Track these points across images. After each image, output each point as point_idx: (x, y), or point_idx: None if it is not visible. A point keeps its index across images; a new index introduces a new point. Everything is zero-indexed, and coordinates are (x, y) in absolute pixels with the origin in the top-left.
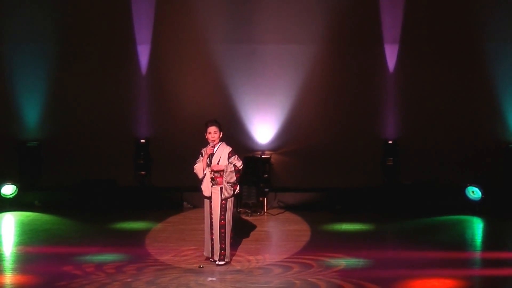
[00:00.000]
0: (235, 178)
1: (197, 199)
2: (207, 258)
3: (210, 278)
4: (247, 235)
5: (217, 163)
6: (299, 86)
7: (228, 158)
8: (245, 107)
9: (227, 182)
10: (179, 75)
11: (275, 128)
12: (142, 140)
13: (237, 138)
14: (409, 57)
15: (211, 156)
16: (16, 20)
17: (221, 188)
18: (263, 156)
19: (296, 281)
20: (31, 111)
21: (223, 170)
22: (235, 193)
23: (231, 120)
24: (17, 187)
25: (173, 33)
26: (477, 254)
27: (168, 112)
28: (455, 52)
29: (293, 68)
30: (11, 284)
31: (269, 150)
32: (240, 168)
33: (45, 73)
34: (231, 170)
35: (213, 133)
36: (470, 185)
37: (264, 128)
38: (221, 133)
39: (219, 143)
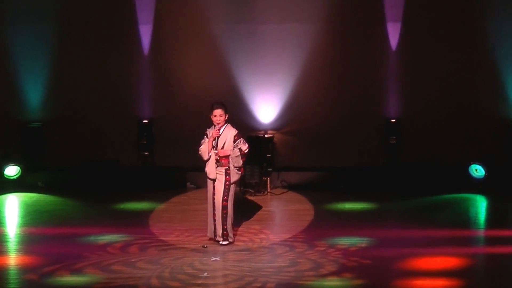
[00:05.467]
0: (241, 162)
1: (201, 180)
2: (210, 239)
3: (213, 258)
4: (251, 215)
5: (222, 146)
6: (301, 65)
7: (234, 141)
8: (247, 87)
9: (234, 167)
10: (181, 55)
11: (277, 108)
12: (145, 120)
13: (239, 117)
14: (412, 36)
15: (216, 138)
16: (17, 1)
17: (226, 169)
18: (265, 136)
19: (300, 260)
20: (33, 92)
21: (229, 155)
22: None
23: (233, 100)
24: (20, 168)
25: (175, 13)
26: (481, 232)
27: (171, 92)
28: (457, 31)
29: (295, 48)
30: (15, 265)
31: (271, 129)
32: (246, 151)
33: (46, 54)
34: (237, 154)
35: (218, 116)
36: (474, 163)
37: (266, 107)
38: (227, 115)
39: (225, 125)
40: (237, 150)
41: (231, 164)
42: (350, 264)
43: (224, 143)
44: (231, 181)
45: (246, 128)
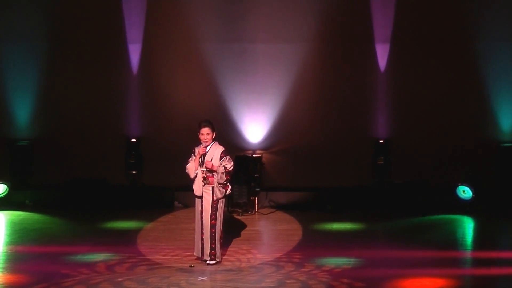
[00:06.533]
0: (224, 179)
1: (188, 199)
2: (198, 258)
3: (200, 278)
4: (238, 235)
5: None
6: (290, 85)
7: (220, 158)
8: (236, 106)
9: (218, 183)
10: (170, 74)
11: (266, 127)
12: (133, 139)
13: (228, 137)
14: (400, 57)
15: (203, 156)
16: (7, 19)
17: (213, 188)
18: (254, 155)
19: (287, 281)
20: (22, 110)
21: (215, 170)
22: (227, 194)
23: (222, 119)
24: (7, 186)
25: (164, 32)
26: (468, 254)
27: (159, 111)
28: (446, 52)
29: (284, 67)
30: (2, 284)
31: (260, 149)
32: (230, 170)
33: (36, 72)
34: (222, 171)
35: (205, 134)
36: (461, 185)
37: (255, 127)
38: (214, 133)
39: (212, 143)
40: (222, 167)
41: (215, 180)
42: (338, 285)
43: (211, 160)
44: (215, 198)
45: (234, 147)
